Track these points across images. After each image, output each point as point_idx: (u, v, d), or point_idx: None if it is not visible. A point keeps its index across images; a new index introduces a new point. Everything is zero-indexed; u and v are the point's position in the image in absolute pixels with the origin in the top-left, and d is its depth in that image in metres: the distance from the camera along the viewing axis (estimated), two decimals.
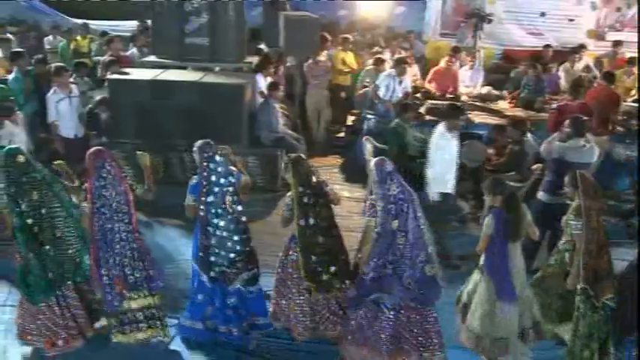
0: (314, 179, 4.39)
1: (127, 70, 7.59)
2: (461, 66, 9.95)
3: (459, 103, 8.61)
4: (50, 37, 10.88)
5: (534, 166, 5.79)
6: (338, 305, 4.55)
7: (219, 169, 4.31)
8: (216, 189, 4.28)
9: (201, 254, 4.41)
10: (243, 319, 4.56)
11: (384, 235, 4.09)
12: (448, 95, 8.97)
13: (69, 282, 4.33)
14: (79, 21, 11.58)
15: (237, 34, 7.67)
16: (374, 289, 4.18)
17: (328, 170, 8.30)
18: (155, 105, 6.90)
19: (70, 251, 4.27)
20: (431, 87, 9.21)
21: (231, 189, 4.31)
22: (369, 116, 8.39)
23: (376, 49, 9.77)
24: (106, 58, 8.31)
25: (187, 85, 6.90)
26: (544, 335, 4.53)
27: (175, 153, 7.12)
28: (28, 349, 4.51)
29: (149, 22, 10.89)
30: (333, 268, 4.40)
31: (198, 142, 4.40)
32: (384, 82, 8.35)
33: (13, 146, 4.43)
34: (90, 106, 7.28)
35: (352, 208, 7.15)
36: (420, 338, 4.21)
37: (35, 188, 4.14)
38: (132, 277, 4.31)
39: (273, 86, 7.32)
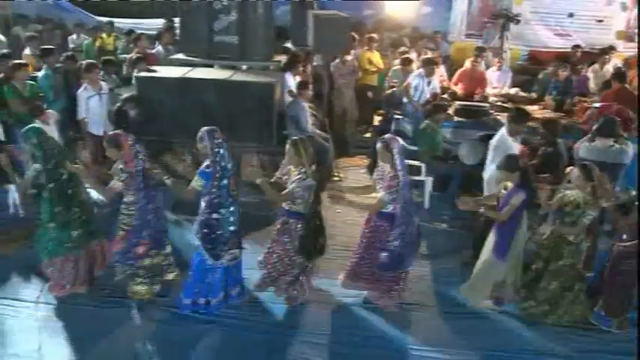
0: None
1: (153, 67, 7.57)
2: (487, 67, 9.85)
3: (487, 104, 8.56)
4: (74, 36, 10.89)
5: (568, 169, 5.69)
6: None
7: (226, 154, 4.60)
8: (227, 173, 4.59)
9: (206, 232, 4.66)
10: (224, 290, 4.95)
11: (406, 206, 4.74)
12: (476, 97, 8.86)
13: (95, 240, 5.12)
14: (104, 19, 11.59)
15: (266, 33, 7.58)
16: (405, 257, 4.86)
17: (355, 170, 8.26)
18: (184, 103, 6.82)
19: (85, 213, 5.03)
20: (457, 88, 9.11)
21: (229, 173, 4.64)
22: (397, 116, 8.30)
23: (403, 49, 9.65)
24: (132, 55, 8.30)
25: (217, 83, 6.81)
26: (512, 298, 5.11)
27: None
28: None
29: (175, 20, 11.01)
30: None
31: (206, 129, 4.60)
32: (413, 82, 8.27)
33: (35, 125, 5.09)
34: (118, 104, 7.31)
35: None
36: None
37: (65, 157, 4.96)
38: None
39: (302, 85, 7.24)
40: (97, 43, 10.26)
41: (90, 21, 12.00)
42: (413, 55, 9.57)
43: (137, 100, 7.23)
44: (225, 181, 4.57)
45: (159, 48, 9.04)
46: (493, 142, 5.81)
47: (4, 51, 7.92)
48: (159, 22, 11.11)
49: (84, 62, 7.12)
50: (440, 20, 11.91)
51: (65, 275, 5.03)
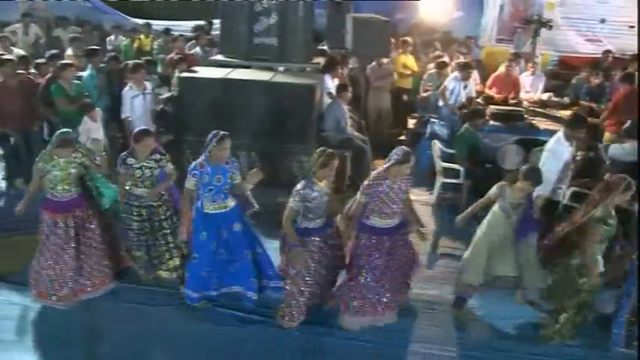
0: None
1: (194, 68, 7.71)
2: (519, 72, 9.86)
3: (522, 109, 8.57)
4: (112, 37, 11.12)
5: (607, 175, 5.70)
6: None
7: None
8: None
9: None
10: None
11: None
12: (510, 101, 8.87)
13: None
14: (141, 21, 11.81)
15: (305, 35, 7.70)
16: None
17: None
18: (225, 103, 6.92)
19: None
20: (492, 92, 9.13)
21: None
22: (433, 120, 8.35)
23: (437, 52, 9.71)
24: (172, 56, 8.46)
25: (259, 84, 6.91)
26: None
27: (242, 152, 7.18)
28: None
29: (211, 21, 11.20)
30: None
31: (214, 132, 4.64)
32: (449, 86, 8.32)
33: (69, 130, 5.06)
34: (161, 105, 7.47)
35: (421, 212, 7.12)
36: None
37: None
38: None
39: (342, 88, 7.32)
40: (135, 44, 10.45)
41: (126, 23, 12.23)
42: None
43: (178, 100, 7.40)
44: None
45: (197, 49, 9.18)
46: (548, 146, 5.82)
47: (53, 51, 8.11)
48: (194, 24, 11.25)
49: (130, 62, 7.26)
50: (471, 25, 11.94)
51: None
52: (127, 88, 7.01)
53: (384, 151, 8.64)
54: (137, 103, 6.97)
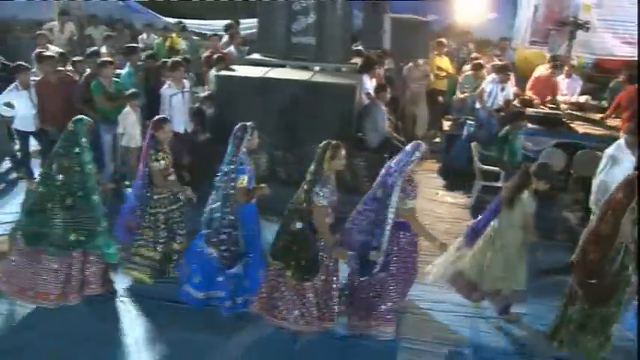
0: None
1: (230, 67, 7.68)
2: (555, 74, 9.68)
3: (560, 112, 8.43)
4: (144, 35, 11.16)
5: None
6: None
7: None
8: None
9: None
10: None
11: None
12: (547, 104, 8.73)
13: (81, 248, 4.69)
14: (172, 20, 11.84)
15: (343, 35, 7.64)
16: None
17: (426, 175, 8.21)
18: (263, 103, 6.89)
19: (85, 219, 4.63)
20: (530, 95, 8.99)
21: None
22: (470, 122, 8.24)
23: (474, 54, 9.58)
24: (209, 54, 8.45)
25: (299, 83, 6.87)
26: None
27: (280, 151, 7.14)
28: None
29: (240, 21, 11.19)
30: None
31: (238, 126, 4.60)
32: (487, 88, 8.21)
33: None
34: (198, 103, 7.46)
35: (458, 214, 7.04)
36: None
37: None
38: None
39: (380, 88, 7.25)
40: (167, 43, 10.46)
41: (158, 21, 12.28)
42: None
43: (215, 99, 7.38)
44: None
45: (231, 48, 9.16)
46: (609, 151, 5.69)
47: (93, 49, 8.15)
48: (225, 23, 11.23)
49: (169, 60, 7.25)
50: (505, 27, 11.74)
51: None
52: (165, 86, 7.00)
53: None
54: (176, 102, 6.95)
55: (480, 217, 4.92)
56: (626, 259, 4.27)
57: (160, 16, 12.74)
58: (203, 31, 12.11)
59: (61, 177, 4.57)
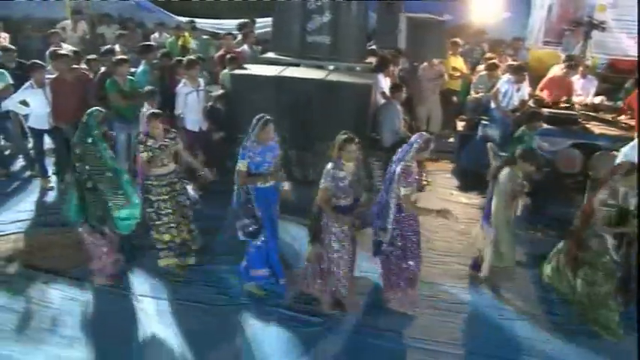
0: None
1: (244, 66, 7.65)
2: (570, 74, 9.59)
3: (574, 113, 8.34)
4: (156, 34, 11.16)
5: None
6: None
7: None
8: None
9: None
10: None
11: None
12: (562, 104, 8.64)
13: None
14: (184, 19, 11.84)
15: (358, 34, 7.59)
16: None
17: (440, 175, 8.18)
18: (278, 101, 6.86)
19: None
20: (543, 95, 8.90)
21: None
22: (485, 122, 8.17)
23: (489, 54, 9.51)
24: (222, 53, 8.43)
25: (314, 82, 6.83)
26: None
27: (295, 151, 7.10)
28: None
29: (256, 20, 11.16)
30: None
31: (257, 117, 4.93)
32: (502, 89, 8.13)
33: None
34: (212, 102, 7.42)
35: (472, 215, 6.98)
36: None
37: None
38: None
39: (396, 88, 7.19)
40: (180, 42, 10.45)
41: (170, 20, 12.28)
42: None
43: (230, 97, 7.35)
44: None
45: (244, 47, 9.14)
46: (624, 150, 5.64)
47: (109, 46, 8.15)
48: (239, 22, 11.21)
49: (185, 59, 7.23)
50: (518, 27, 11.66)
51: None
52: (181, 85, 6.98)
53: (434, 152, 8.63)
54: (191, 100, 6.93)
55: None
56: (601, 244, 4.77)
57: (172, 15, 12.74)
58: (215, 31, 12.09)
59: (78, 164, 4.93)
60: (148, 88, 6.81)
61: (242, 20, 10.67)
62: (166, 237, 5.43)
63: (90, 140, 4.89)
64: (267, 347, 4.60)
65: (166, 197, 5.35)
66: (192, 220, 5.65)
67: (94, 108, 5.10)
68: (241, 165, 4.86)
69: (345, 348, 4.62)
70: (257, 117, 4.93)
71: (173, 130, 5.55)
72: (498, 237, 5.19)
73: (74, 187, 5.02)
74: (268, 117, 4.91)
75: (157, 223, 5.37)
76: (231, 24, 11.77)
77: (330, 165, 4.67)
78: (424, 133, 4.87)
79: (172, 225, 5.42)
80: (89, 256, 5.29)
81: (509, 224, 5.21)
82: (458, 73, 9.33)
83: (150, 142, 5.22)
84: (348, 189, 4.69)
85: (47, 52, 8.66)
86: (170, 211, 5.38)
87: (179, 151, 5.50)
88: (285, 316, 4.96)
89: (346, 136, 4.64)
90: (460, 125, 8.74)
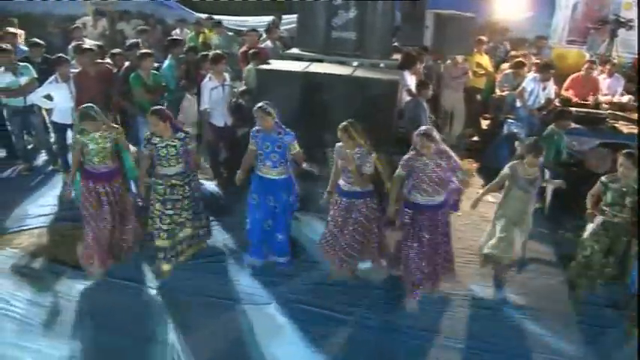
0: None
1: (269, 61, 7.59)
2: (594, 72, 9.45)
3: (603, 112, 8.21)
4: (177, 30, 11.14)
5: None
6: None
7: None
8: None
9: None
10: None
11: None
12: (589, 103, 8.51)
13: None
14: (203, 15, 11.81)
15: (384, 31, 7.50)
16: None
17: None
18: (303, 97, 6.78)
19: None
20: (569, 94, 8.78)
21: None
22: (510, 121, 8.06)
23: (514, 52, 9.39)
24: (245, 49, 8.37)
25: (341, 78, 6.73)
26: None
27: (319, 147, 7.01)
28: None
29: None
30: None
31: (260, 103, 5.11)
32: (528, 87, 8.01)
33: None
34: (236, 97, 7.37)
35: None
36: None
37: None
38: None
39: (422, 85, 7.08)
40: (200, 39, 10.42)
41: (190, 17, 12.27)
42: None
43: (253, 93, 7.29)
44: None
45: (267, 43, 9.09)
46: None
47: (133, 40, 8.12)
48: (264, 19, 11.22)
49: (211, 53, 7.17)
50: (541, 25, 11.55)
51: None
52: (206, 79, 6.92)
53: (457, 151, 8.51)
54: (216, 95, 6.87)
55: None
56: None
57: (192, 12, 12.74)
58: (238, 28, 12.06)
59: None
60: (184, 81, 6.77)
61: (267, 17, 10.64)
62: (159, 242, 5.22)
63: None
64: (288, 343, 4.53)
65: (167, 198, 5.16)
66: (205, 217, 5.65)
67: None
68: (250, 144, 5.22)
69: (369, 344, 4.55)
70: (257, 105, 5.12)
71: (185, 130, 5.36)
72: (508, 229, 5.25)
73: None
74: (264, 105, 5.08)
75: (155, 226, 5.21)
76: (254, 21, 11.73)
77: (362, 151, 4.88)
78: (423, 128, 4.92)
79: (166, 228, 5.18)
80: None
81: (506, 219, 5.28)
82: (482, 71, 9.20)
83: (155, 140, 5.08)
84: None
85: (70, 47, 8.69)
86: (170, 213, 5.18)
87: (190, 152, 5.28)
88: (307, 311, 4.89)
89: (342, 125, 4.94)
90: (485, 124, 8.64)
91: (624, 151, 5.09)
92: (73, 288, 5.14)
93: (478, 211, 6.90)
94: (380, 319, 4.84)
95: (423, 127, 4.86)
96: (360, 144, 4.87)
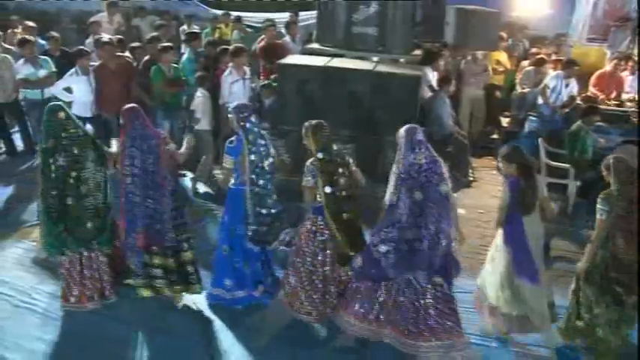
0: (334, 147, 4.33)
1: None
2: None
3: (626, 109, 8.09)
4: (185, 26, 11.09)
5: None
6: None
7: (255, 129, 4.37)
8: (255, 148, 4.31)
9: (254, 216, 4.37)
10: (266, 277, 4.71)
11: (402, 206, 3.93)
12: (612, 101, 8.38)
13: (93, 242, 4.48)
14: (219, 11, 11.77)
15: (406, 26, 7.40)
16: (395, 266, 4.00)
17: (485, 171, 7.93)
18: (324, 92, 6.70)
19: (92, 207, 4.42)
20: (594, 91, 8.65)
21: (264, 150, 4.37)
22: (532, 118, 7.95)
23: (534, 50, 9.27)
24: (263, 45, 8.31)
25: (362, 73, 6.64)
26: (557, 319, 4.36)
27: (340, 144, 6.92)
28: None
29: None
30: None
31: (234, 104, 4.65)
32: (550, 84, 7.90)
33: (56, 103, 4.70)
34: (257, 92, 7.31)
35: None
36: (445, 319, 4.01)
37: (75, 144, 4.33)
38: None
39: (444, 81, 6.99)
40: (217, 34, 10.37)
41: (205, 13, 12.23)
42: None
43: (271, 88, 7.22)
44: (253, 157, 4.31)
45: (286, 38, 9.02)
46: None
47: (154, 34, 8.07)
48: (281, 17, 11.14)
49: (232, 46, 7.12)
50: (560, 23, 11.38)
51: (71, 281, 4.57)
52: (226, 73, 6.86)
53: (476, 149, 8.42)
54: (236, 89, 6.82)
55: None
56: None
57: (208, 8, 12.71)
58: (256, 25, 11.99)
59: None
60: (198, 74, 6.70)
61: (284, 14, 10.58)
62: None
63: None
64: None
65: None
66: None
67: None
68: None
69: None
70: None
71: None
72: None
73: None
74: (230, 106, 4.66)
75: None
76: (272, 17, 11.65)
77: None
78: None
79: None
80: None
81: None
82: (502, 68, 9.09)
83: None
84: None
85: (87, 42, 8.67)
86: None
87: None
88: None
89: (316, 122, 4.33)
90: (505, 121, 8.52)
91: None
92: None
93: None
94: None
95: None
96: (309, 148, 4.31)
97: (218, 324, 4.58)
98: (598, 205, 4.06)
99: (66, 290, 4.56)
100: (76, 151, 4.34)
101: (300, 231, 4.38)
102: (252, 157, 4.30)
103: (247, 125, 4.33)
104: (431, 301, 4.00)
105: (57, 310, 4.66)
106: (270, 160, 4.42)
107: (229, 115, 4.45)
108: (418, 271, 3.98)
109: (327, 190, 4.15)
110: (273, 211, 4.42)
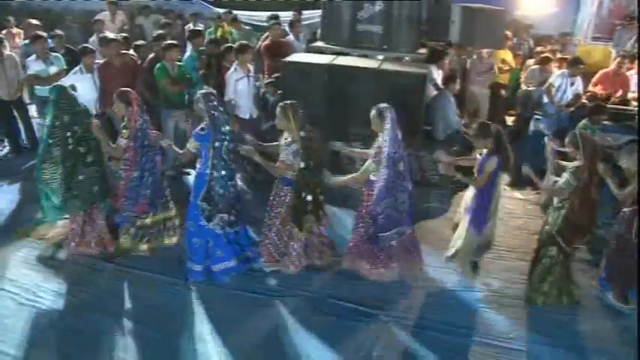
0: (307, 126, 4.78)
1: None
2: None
3: (632, 108, 8.04)
4: (190, 25, 11.05)
5: None
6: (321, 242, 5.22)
7: (222, 117, 4.70)
8: (221, 136, 4.66)
9: (206, 197, 4.75)
10: (237, 254, 5.11)
11: (393, 176, 4.65)
12: (615, 100, 8.33)
13: (97, 203, 5.26)
14: (222, 10, 11.75)
15: (411, 24, 7.37)
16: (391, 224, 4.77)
17: None
18: (329, 90, 6.69)
19: (97, 174, 5.19)
20: (597, 90, 8.60)
21: (227, 137, 4.70)
22: (537, 117, 7.91)
23: (540, 48, 9.23)
24: (267, 43, 8.28)
25: (367, 71, 6.63)
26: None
27: (346, 141, 6.90)
28: None
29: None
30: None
31: (201, 91, 4.82)
32: (555, 82, 7.86)
33: (60, 83, 5.34)
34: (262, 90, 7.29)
35: (530, 211, 6.75)
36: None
37: (81, 117, 5.09)
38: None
39: (449, 79, 6.96)
40: (219, 33, 10.35)
41: (208, 12, 12.21)
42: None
43: (277, 85, 7.19)
44: (217, 144, 4.64)
45: (290, 37, 9.00)
46: None
47: (159, 32, 8.05)
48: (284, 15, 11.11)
49: (237, 43, 7.08)
50: (564, 22, 11.35)
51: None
52: (231, 70, 6.83)
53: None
54: (241, 87, 6.79)
55: None
56: None
57: (211, 6, 12.69)
58: (257, 23, 12.01)
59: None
60: (201, 72, 6.67)
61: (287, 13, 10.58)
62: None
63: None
64: (325, 340, 4.41)
65: None
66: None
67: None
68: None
69: (405, 341, 4.46)
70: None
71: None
72: None
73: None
74: (198, 94, 4.81)
75: None
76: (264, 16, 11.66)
77: (289, 139, 4.81)
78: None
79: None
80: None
81: None
82: (507, 67, 9.06)
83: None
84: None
85: (91, 40, 8.65)
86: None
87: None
88: (345, 308, 4.78)
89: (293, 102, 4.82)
90: (510, 120, 8.47)
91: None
92: (99, 279, 5.08)
93: (506, 207, 6.84)
94: (417, 315, 4.75)
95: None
96: (290, 129, 4.75)
97: (221, 320, 4.59)
98: (568, 178, 4.66)
99: (70, 240, 5.33)
100: (83, 123, 5.03)
101: (281, 201, 4.96)
102: (217, 143, 4.64)
103: (216, 114, 4.65)
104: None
105: (61, 308, 4.66)
106: (231, 146, 4.74)
107: (198, 105, 4.72)
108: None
109: (302, 165, 4.69)
110: (226, 193, 4.78)
